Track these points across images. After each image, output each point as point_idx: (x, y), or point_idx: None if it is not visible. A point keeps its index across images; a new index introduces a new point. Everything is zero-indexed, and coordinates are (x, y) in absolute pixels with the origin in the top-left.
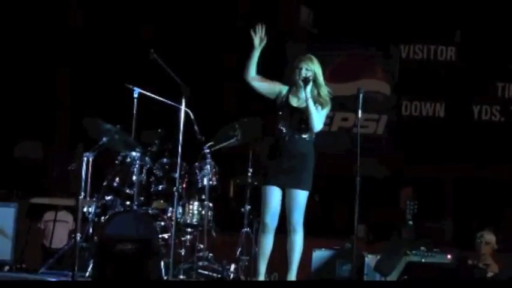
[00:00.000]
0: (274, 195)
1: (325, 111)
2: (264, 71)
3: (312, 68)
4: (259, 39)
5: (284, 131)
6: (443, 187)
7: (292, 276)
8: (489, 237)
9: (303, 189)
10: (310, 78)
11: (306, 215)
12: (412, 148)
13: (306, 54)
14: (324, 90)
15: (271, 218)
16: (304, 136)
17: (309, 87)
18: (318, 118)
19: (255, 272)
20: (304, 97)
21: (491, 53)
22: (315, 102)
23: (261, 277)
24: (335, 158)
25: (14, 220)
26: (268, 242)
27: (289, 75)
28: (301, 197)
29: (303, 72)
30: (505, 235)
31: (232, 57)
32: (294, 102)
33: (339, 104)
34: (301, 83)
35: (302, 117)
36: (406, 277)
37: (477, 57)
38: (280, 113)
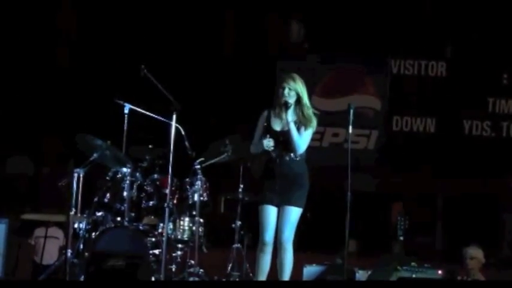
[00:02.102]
0: (270, 214)
1: (309, 132)
2: (255, 90)
3: (295, 87)
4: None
5: (273, 154)
6: (434, 202)
7: None
8: (473, 252)
9: (295, 206)
10: (290, 103)
11: (297, 230)
12: (403, 163)
13: (289, 73)
14: (308, 110)
15: (270, 237)
16: (293, 156)
17: (290, 111)
18: (300, 141)
19: None
20: (291, 119)
21: (482, 69)
22: (299, 123)
23: None
24: (326, 172)
25: (5, 236)
26: (267, 261)
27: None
28: (293, 213)
29: (286, 93)
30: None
31: (223, 73)
32: (276, 125)
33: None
34: (282, 107)
35: (287, 139)
36: None
37: (468, 72)
38: (267, 136)
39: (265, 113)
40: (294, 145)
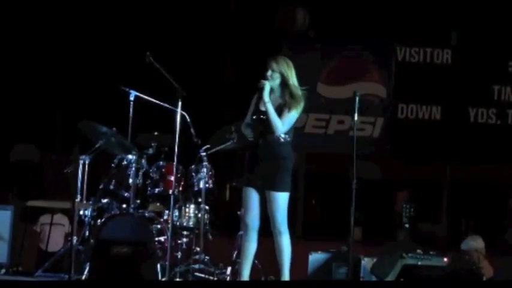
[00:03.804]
0: (252, 196)
1: (293, 113)
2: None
3: (278, 69)
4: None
5: (258, 135)
6: (440, 190)
7: (285, 278)
8: (466, 246)
9: (281, 190)
10: (261, 84)
11: (304, 218)
12: (409, 151)
13: (273, 56)
14: (297, 90)
15: (252, 219)
16: (277, 138)
17: (265, 92)
18: (278, 122)
19: (239, 275)
20: (267, 100)
21: (487, 56)
22: (284, 104)
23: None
24: (331, 160)
25: (10, 223)
26: (250, 245)
27: None
28: (280, 198)
29: (268, 75)
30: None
31: (228, 61)
32: (263, 105)
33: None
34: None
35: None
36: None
37: (473, 60)
38: (254, 117)
39: (257, 94)
40: (271, 125)
